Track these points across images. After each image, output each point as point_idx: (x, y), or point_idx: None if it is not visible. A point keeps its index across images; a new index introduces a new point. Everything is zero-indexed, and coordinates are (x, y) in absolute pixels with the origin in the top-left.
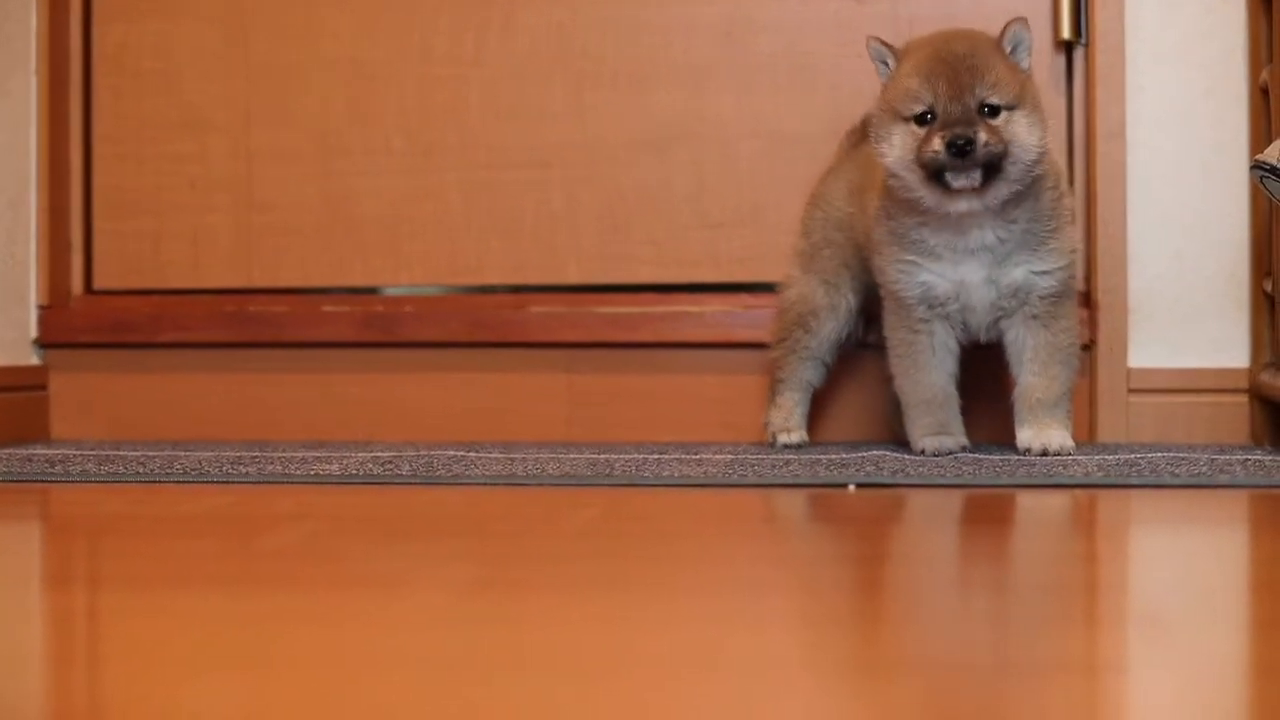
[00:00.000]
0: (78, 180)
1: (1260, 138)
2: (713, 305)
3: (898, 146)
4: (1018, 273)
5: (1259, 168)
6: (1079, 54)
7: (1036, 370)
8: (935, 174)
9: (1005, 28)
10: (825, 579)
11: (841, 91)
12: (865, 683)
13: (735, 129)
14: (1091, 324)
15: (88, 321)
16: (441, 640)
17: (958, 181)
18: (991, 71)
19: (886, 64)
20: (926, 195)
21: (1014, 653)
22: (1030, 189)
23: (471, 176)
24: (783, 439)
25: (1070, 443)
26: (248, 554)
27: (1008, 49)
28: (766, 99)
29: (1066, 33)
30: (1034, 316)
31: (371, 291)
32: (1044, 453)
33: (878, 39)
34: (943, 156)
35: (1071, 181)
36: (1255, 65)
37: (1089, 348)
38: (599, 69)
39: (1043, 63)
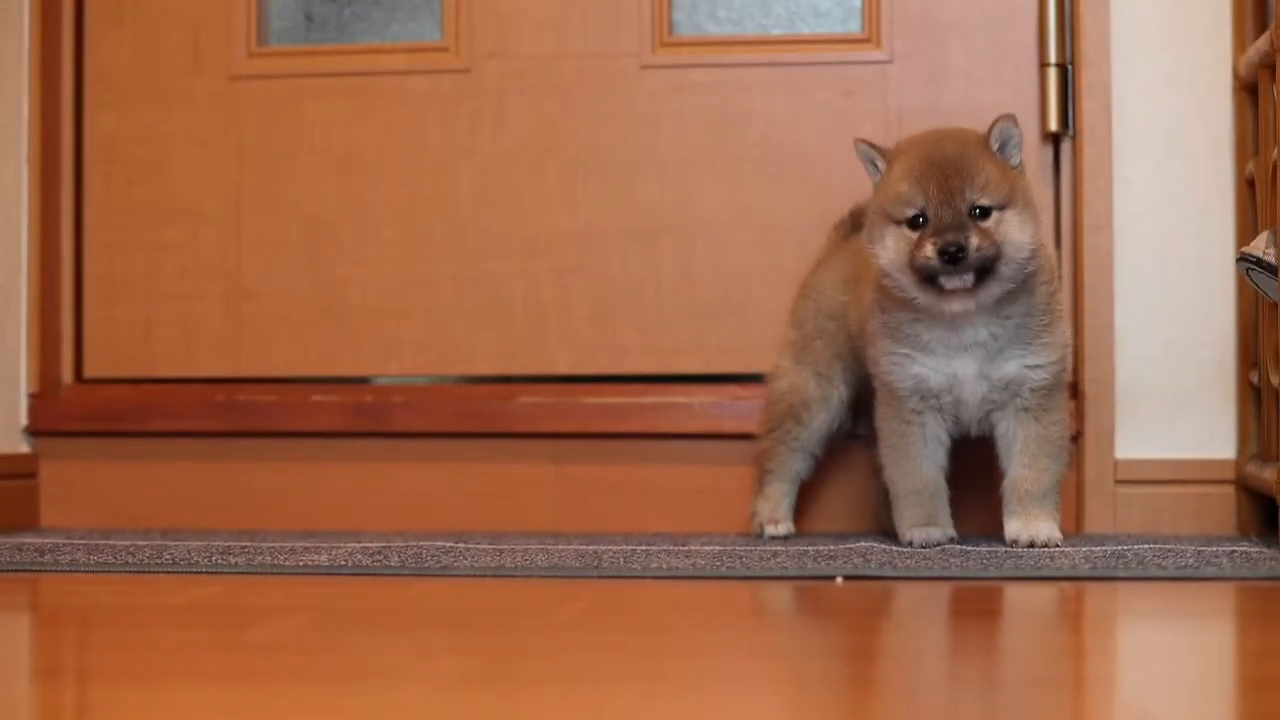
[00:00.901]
0: (68, 268)
1: (1247, 229)
2: (701, 396)
3: (891, 249)
4: (1010, 367)
5: (1245, 260)
6: (1066, 146)
7: (1026, 462)
8: (928, 278)
9: (993, 125)
10: (812, 673)
11: (831, 183)
12: None
13: (724, 220)
14: (1079, 414)
15: (78, 410)
16: None
17: (950, 283)
18: (981, 173)
19: (875, 165)
20: (920, 296)
21: None
22: (1024, 285)
23: (462, 266)
24: (770, 530)
25: (1058, 534)
26: (237, 646)
27: (995, 146)
28: (755, 190)
29: (1054, 124)
30: (1025, 409)
31: (361, 381)
32: (1031, 544)
33: (865, 141)
34: (935, 263)
35: (1059, 272)
36: (1242, 157)
37: (1076, 439)
38: (589, 159)
39: (1030, 155)
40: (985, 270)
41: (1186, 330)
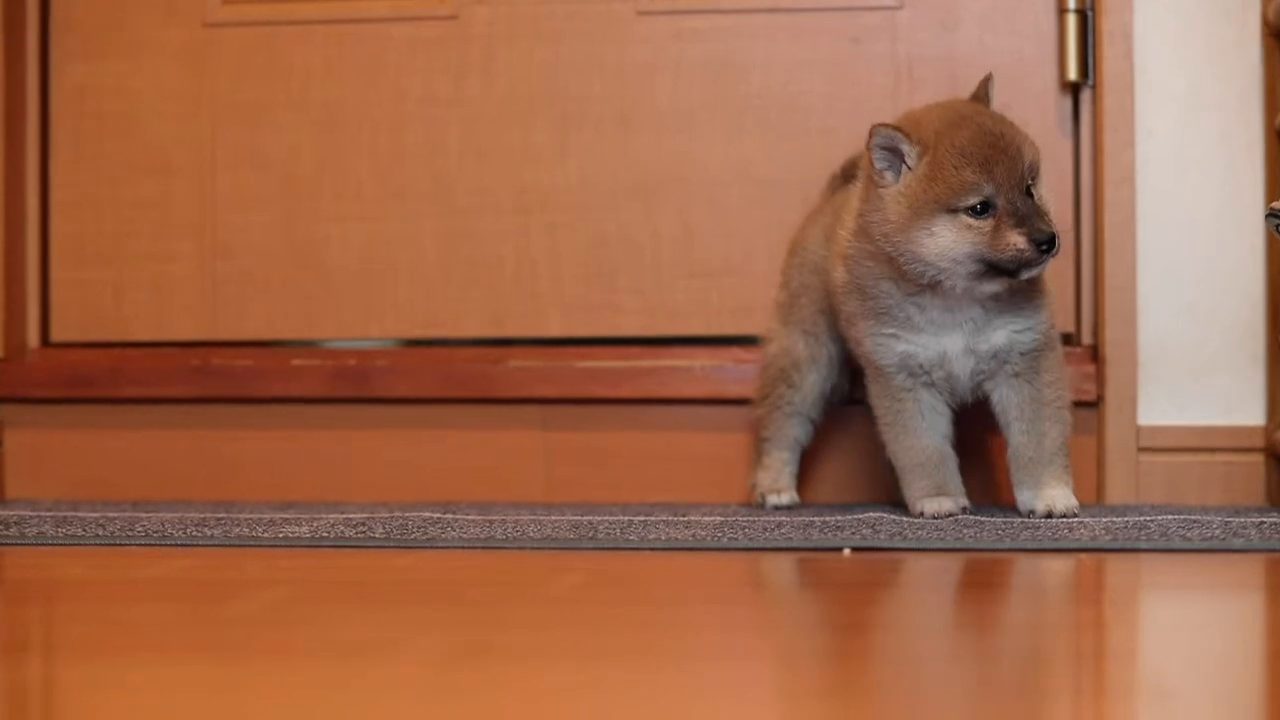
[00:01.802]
0: (34, 227)
1: (1276, 184)
2: (701, 359)
3: (945, 239)
4: (998, 336)
5: (1274, 215)
6: (1086, 96)
7: (1024, 428)
8: (1009, 269)
9: (984, 85)
10: (817, 648)
11: (836, 135)
12: None
13: (724, 174)
14: (1099, 379)
15: (45, 375)
16: (417, 712)
17: (1030, 273)
18: (1029, 146)
19: (899, 150)
20: (965, 283)
21: None
22: None
23: (448, 223)
24: (772, 500)
25: (1074, 501)
26: (213, 621)
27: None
28: (757, 143)
29: (1073, 74)
30: (1016, 374)
31: (342, 344)
32: (1049, 514)
33: (889, 126)
34: (1029, 253)
35: (1079, 229)
36: (1271, 109)
37: (1097, 404)
38: (583, 111)
39: (1048, 105)
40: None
41: (1212, 290)
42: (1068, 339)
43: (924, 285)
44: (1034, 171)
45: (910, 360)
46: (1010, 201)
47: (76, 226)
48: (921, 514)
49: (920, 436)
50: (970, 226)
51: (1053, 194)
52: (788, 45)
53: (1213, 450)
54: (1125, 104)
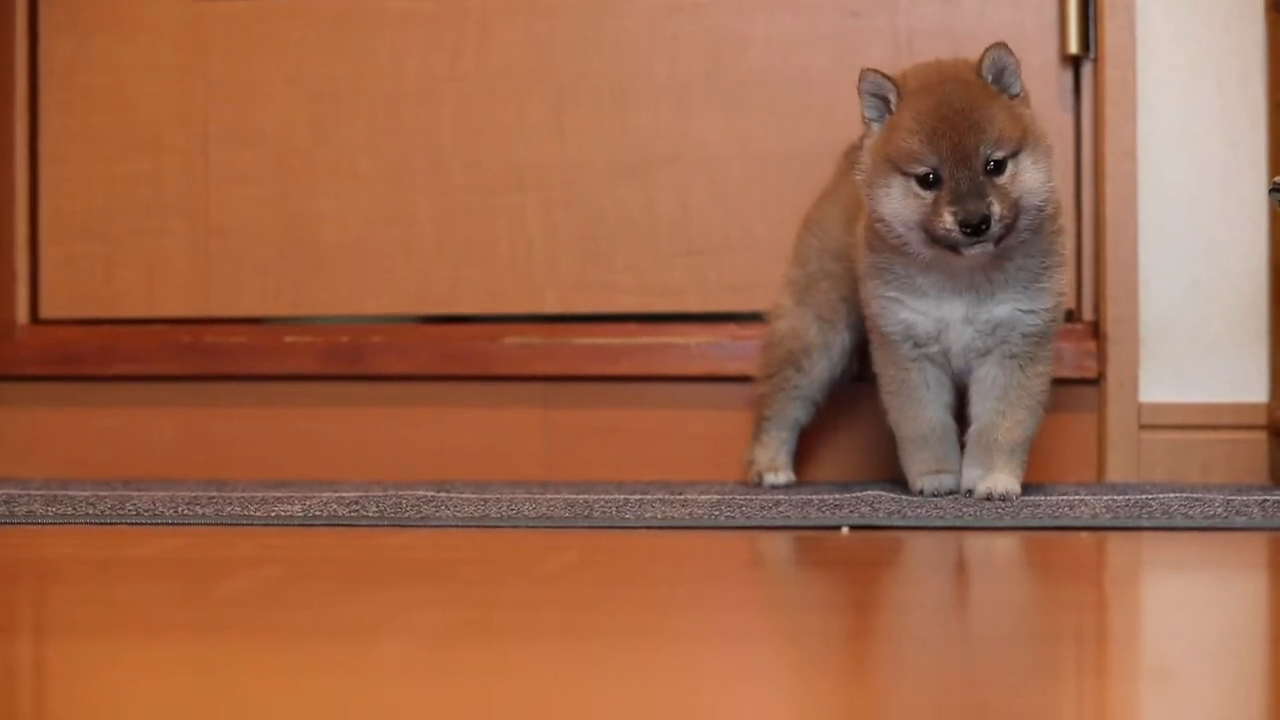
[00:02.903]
0: (23, 203)
1: (1279, 159)
2: (699, 336)
3: (896, 201)
4: (1001, 310)
5: (1278, 191)
6: (1087, 69)
7: (1002, 410)
8: (947, 246)
9: (983, 57)
10: (816, 627)
11: (836, 109)
12: None
13: (723, 149)
14: (1100, 356)
15: (34, 352)
16: (411, 691)
17: (971, 252)
18: (993, 124)
19: (888, 100)
20: (926, 253)
21: (1017, 705)
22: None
23: (444, 200)
24: (769, 479)
25: (1016, 488)
26: (205, 600)
27: (988, 79)
28: (755, 118)
29: (1074, 47)
30: (1012, 356)
31: (336, 321)
32: (988, 497)
33: (877, 71)
34: (956, 234)
35: (1079, 204)
36: (1274, 83)
37: (1097, 382)
38: (579, 86)
39: (1049, 79)
40: (1008, 231)
41: (1215, 266)
42: (1069, 315)
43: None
44: (1003, 149)
45: (912, 330)
46: (953, 178)
47: (66, 202)
48: (921, 491)
49: (925, 408)
50: (917, 195)
51: (1045, 174)
52: (787, 19)
53: (1215, 428)
54: (1127, 78)
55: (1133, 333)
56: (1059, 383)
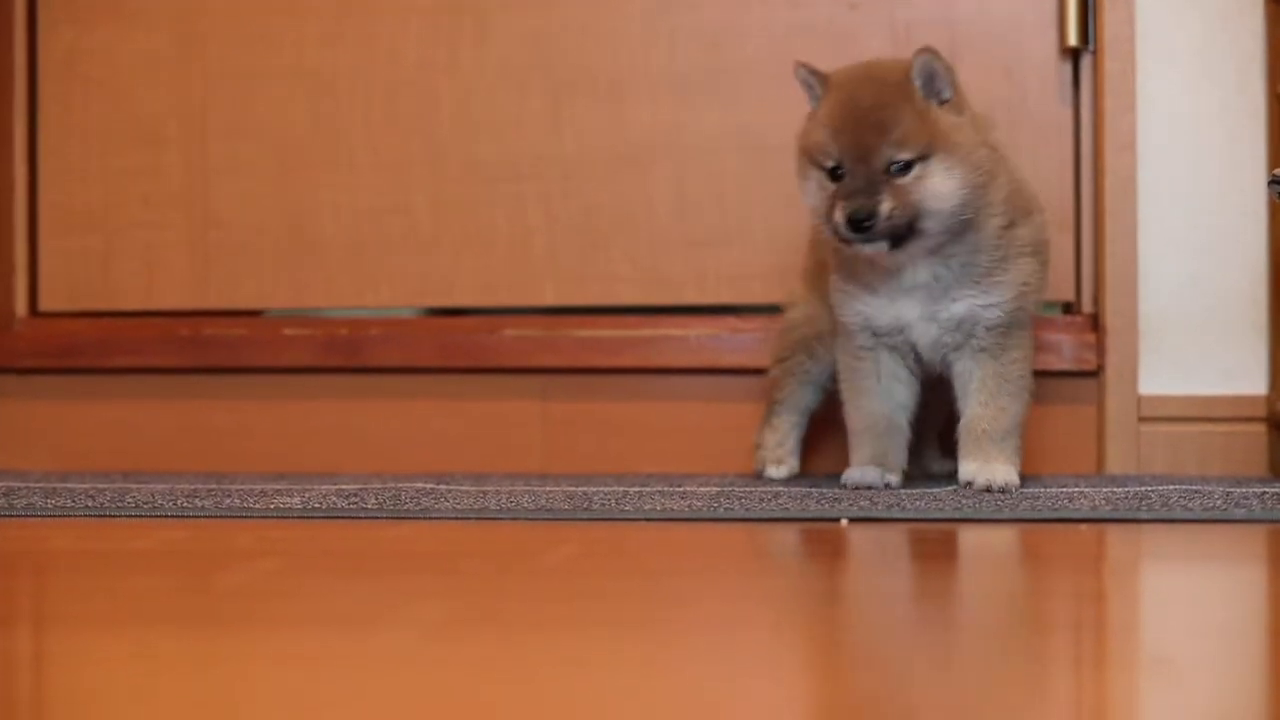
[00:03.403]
0: (22, 195)
1: (1278, 151)
2: (697, 328)
3: (813, 194)
4: (958, 307)
5: (1277, 183)
6: (1086, 62)
7: (984, 400)
8: (841, 241)
9: (911, 60)
10: (815, 618)
11: None
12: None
13: (721, 141)
14: (1100, 348)
15: (34, 345)
16: (410, 683)
17: (863, 250)
18: (898, 125)
19: (815, 91)
20: (842, 248)
21: (1016, 696)
22: (969, 225)
23: (442, 192)
24: (771, 471)
25: (1015, 478)
26: (204, 592)
27: (918, 83)
28: (754, 110)
29: (1073, 39)
30: (982, 349)
31: (335, 314)
32: (988, 489)
33: (805, 65)
34: (844, 230)
35: (1079, 196)
36: (1274, 75)
37: (1096, 374)
38: (577, 78)
39: (1048, 71)
40: (903, 233)
41: (1214, 259)
42: (1068, 308)
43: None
44: (907, 151)
45: (870, 322)
46: (851, 174)
47: (65, 195)
48: (844, 484)
49: (873, 400)
50: (823, 187)
51: (958, 181)
52: (785, 11)
53: (1214, 420)
54: (1126, 70)
55: (1132, 325)
56: (1058, 375)
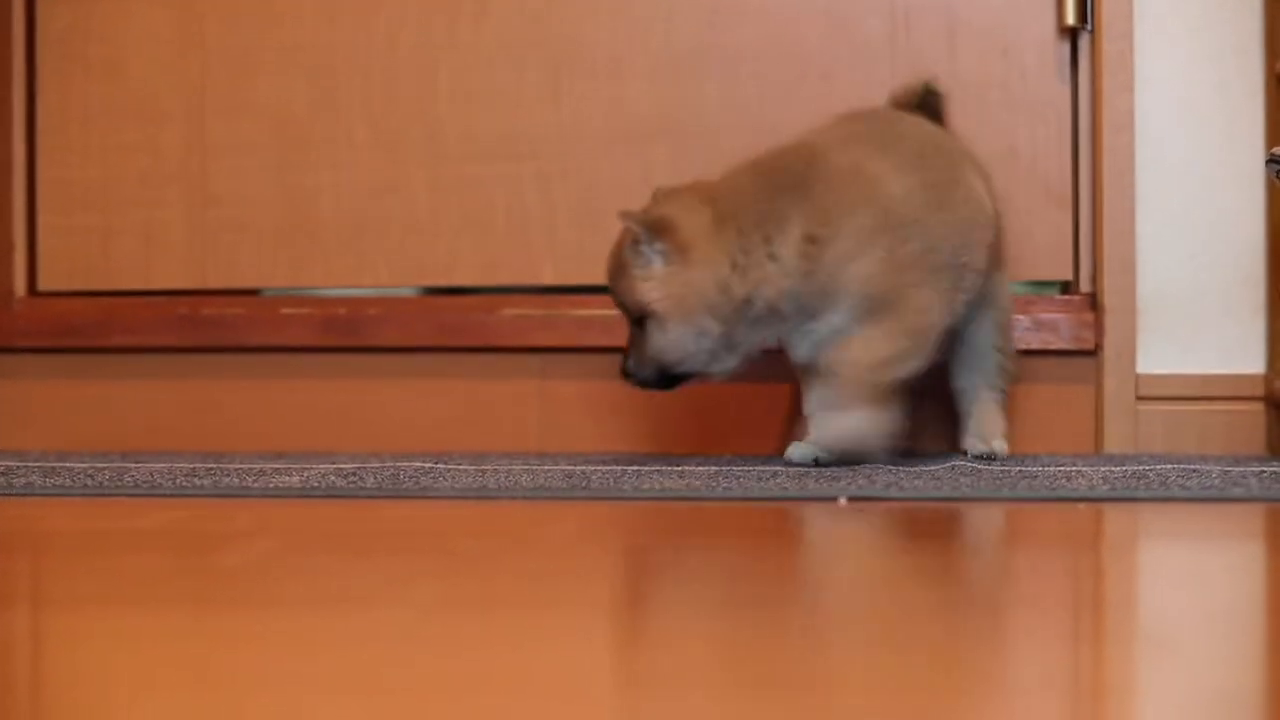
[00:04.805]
0: (20, 174)
1: (1276, 130)
2: None
3: None
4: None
5: (1275, 162)
6: (1084, 41)
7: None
8: None
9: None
10: (813, 596)
11: (833, 81)
12: (857, 702)
13: (719, 120)
14: (1098, 328)
15: (31, 324)
16: (408, 660)
17: (649, 390)
18: (619, 294)
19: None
20: None
21: (1012, 673)
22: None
23: (440, 170)
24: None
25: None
26: (203, 571)
27: (628, 255)
28: (752, 89)
29: (1071, 18)
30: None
31: (333, 293)
32: (816, 462)
33: (629, 216)
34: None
35: (1077, 176)
36: (1271, 54)
37: (1094, 353)
38: (575, 56)
39: (1046, 51)
40: (667, 377)
41: (1212, 238)
42: (1066, 287)
43: None
44: (632, 315)
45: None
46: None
47: (64, 173)
48: (788, 459)
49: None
50: None
51: (672, 335)
52: None
53: (1212, 399)
54: (1124, 49)
55: (1130, 304)
56: (1056, 354)
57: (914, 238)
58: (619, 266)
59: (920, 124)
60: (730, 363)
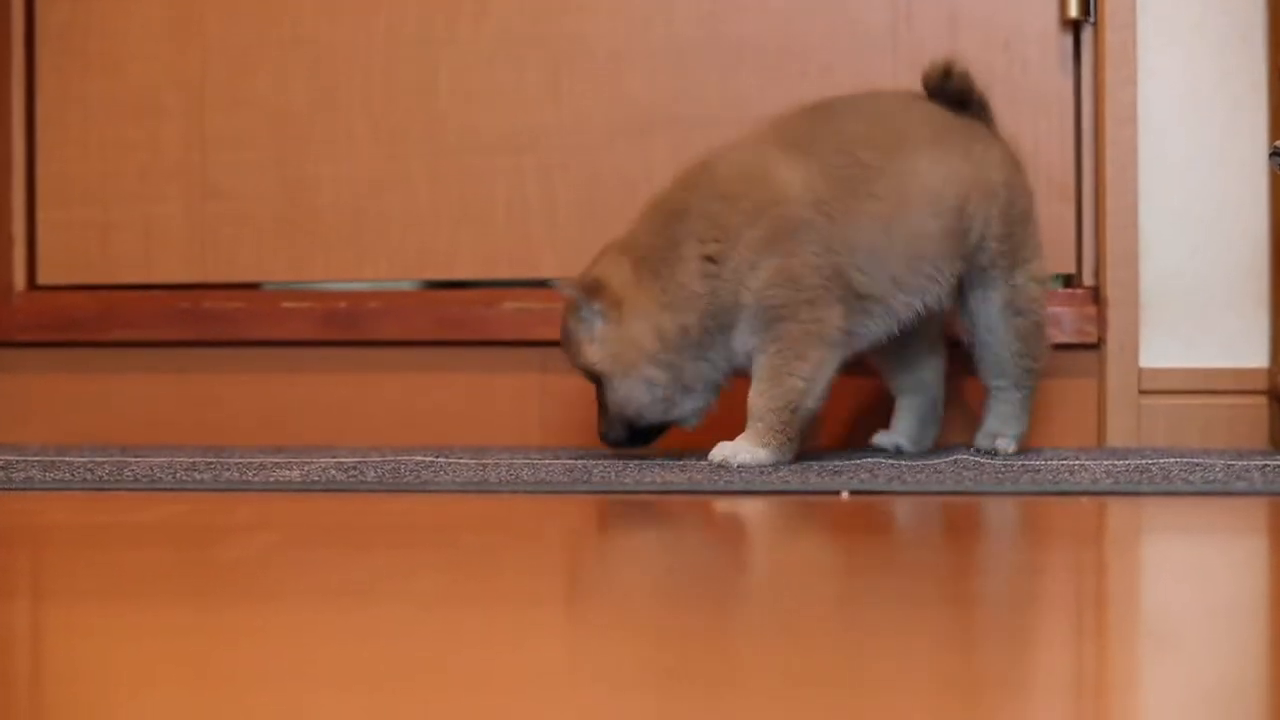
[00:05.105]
0: (20, 168)
1: (1279, 123)
2: None
3: None
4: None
5: (1278, 154)
6: (1087, 33)
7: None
8: None
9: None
10: (813, 590)
11: (834, 73)
12: (855, 700)
13: (720, 113)
14: (1100, 321)
15: (32, 318)
16: (409, 654)
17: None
18: (575, 356)
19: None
20: None
21: (1014, 669)
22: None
23: (440, 163)
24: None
25: (762, 454)
26: (204, 565)
27: (570, 321)
28: (753, 82)
29: (1074, 10)
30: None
31: (334, 287)
32: (723, 463)
33: (569, 284)
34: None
35: (1079, 169)
36: (1275, 46)
37: (1097, 346)
38: (575, 49)
39: (1049, 43)
40: (639, 434)
41: (1216, 231)
42: (1068, 281)
43: None
44: (593, 375)
45: None
46: None
47: (63, 166)
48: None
49: None
50: None
51: (630, 389)
52: None
53: (1215, 393)
54: (1127, 41)
55: (1133, 297)
56: (1058, 348)
57: (812, 241)
58: (566, 334)
59: (890, 109)
60: (693, 403)
